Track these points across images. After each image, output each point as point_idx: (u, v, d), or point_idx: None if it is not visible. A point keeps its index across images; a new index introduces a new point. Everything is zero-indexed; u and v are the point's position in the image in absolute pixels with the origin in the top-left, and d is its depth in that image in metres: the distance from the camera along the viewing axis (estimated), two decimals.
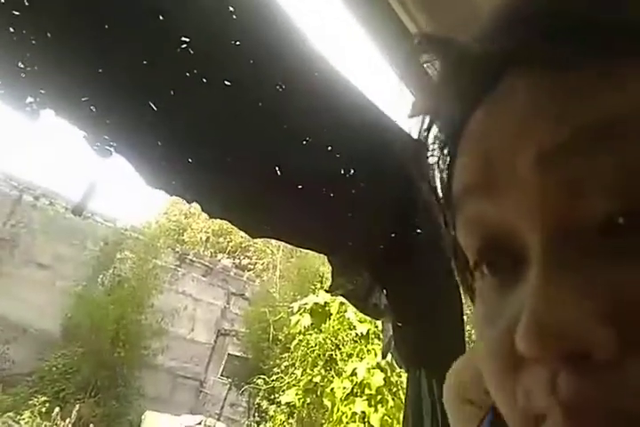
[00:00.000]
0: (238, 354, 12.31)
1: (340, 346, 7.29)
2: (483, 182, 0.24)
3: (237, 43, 1.19)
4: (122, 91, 1.14)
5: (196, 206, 1.29)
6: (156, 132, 1.17)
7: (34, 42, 1.12)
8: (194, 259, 12.89)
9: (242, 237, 17.61)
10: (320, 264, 9.13)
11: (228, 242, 18.41)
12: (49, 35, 1.12)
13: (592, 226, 0.20)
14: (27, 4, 1.08)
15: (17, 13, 1.08)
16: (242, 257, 18.49)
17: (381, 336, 2.17)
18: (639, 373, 0.18)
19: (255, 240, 18.45)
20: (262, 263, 15.45)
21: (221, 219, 1.30)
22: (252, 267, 16.52)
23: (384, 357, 1.92)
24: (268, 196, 1.34)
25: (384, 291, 1.70)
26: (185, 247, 14.10)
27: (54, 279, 10.60)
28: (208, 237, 18.49)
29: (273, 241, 14.80)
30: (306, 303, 7.46)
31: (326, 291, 1.80)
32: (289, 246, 13.15)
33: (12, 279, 10.24)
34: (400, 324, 1.69)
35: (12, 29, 1.09)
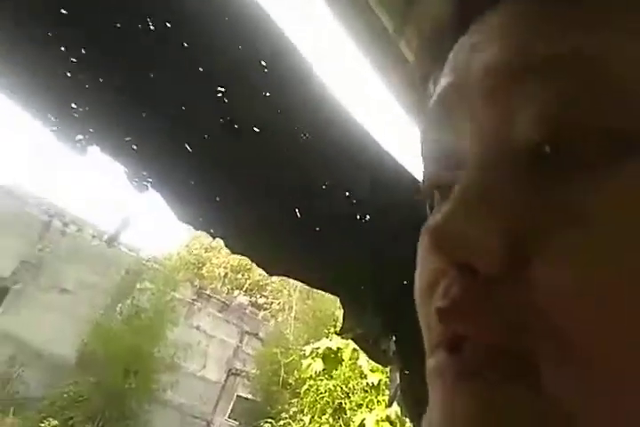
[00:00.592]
0: (247, 396, 12.03)
1: (350, 395, 7.09)
2: (443, 106, 0.24)
3: (268, 94, 1.30)
4: (161, 132, 1.26)
5: (217, 241, 1.37)
6: (189, 172, 1.27)
7: (87, 86, 1.25)
8: (211, 294, 12.89)
9: (260, 275, 17.60)
10: (336, 308, 9.04)
11: (246, 279, 18.40)
12: (101, 80, 1.25)
13: (523, 152, 0.20)
14: (84, 52, 1.22)
15: (75, 60, 1.21)
16: (258, 296, 18.40)
17: None
18: (519, 292, 0.19)
19: (272, 279, 18.42)
20: (278, 303, 15.34)
21: (242, 255, 1.37)
22: (267, 306, 16.40)
23: (389, 405, 1.90)
24: (288, 236, 1.41)
25: (393, 337, 1.72)
26: (203, 282, 14.15)
27: (75, 305, 10.72)
28: (226, 273, 18.53)
29: (290, 281, 14.75)
30: (318, 347, 7.34)
31: (337, 333, 1.83)
32: (305, 288, 13.08)
33: (35, 303, 10.41)
34: (407, 372, 1.69)
35: (69, 74, 1.23)
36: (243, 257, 1.50)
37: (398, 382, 1.77)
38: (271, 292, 17.99)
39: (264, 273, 1.46)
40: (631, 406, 0.18)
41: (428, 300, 0.22)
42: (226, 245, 1.30)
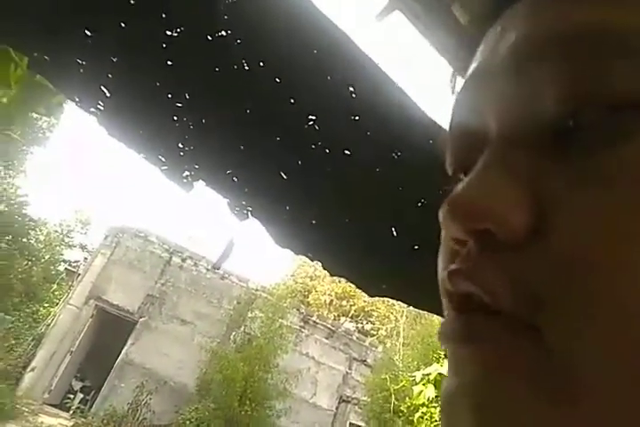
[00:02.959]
0: (360, 424, 11.83)
1: None
2: (470, 91, 0.25)
3: (356, 118, 1.33)
4: (258, 163, 1.33)
5: (320, 269, 1.40)
6: (285, 198, 1.33)
7: (191, 127, 1.38)
8: (317, 321, 13.03)
9: (364, 301, 17.50)
10: None
11: (351, 306, 18.38)
12: (203, 121, 1.37)
13: (546, 126, 0.21)
14: (187, 97, 1.34)
15: (180, 105, 1.34)
16: (364, 322, 18.26)
17: None
18: (539, 261, 0.19)
19: (378, 306, 18.22)
20: (385, 329, 15.08)
21: (340, 276, 1.39)
22: (374, 333, 16.19)
23: None
24: (385, 255, 1.41)
25: None
26: (309, 309, 14.37)
27: (193, 335, 11.42)
28: (332, 300, 18.67)
29: (397, 307, 14.47)
30: (429, 373, 7.06)
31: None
32: (413, 313, 12.73)
33: (159, 333, 11.25)
34: None
35: (175, 118, 1.36)
36: (343, 279, 1.52)
37: None
38: (377, 318, 17.77)
39: (369, 299, 1.46)
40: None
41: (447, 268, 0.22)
42: (324, 268, 1.33)
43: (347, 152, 1.31)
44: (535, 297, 0.18)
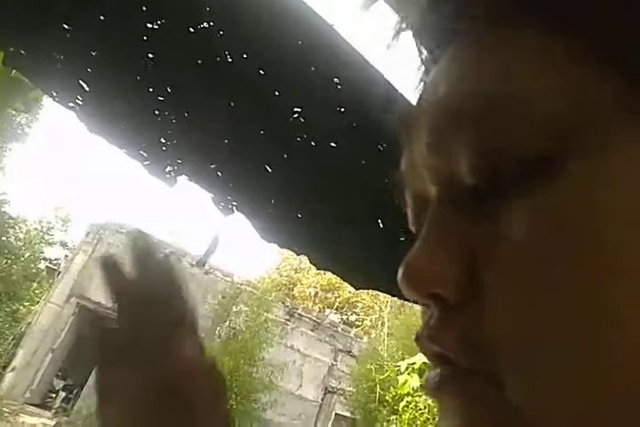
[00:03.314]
0: (345, 414, 11.94)
1: None
2: (407, 151, 0.27)
3: (342, 109, 1.32)
4: (243, 157, 1.32)
5: (305, 261, 1.40)
6: (271, 191, 1.32)
7: (174, 121, 1.35)
8: (302, 313, 13.07)
9: (350, 292, 17.59)
10: None
11: (336, 298, 18.48)
12: (186, 114, 1.35)
13: (465, 191, 0.23)
14: (169, 91, 1.32)
15: (161, 99, 1.32)
16: (349, 313, 18.37)
17: None
18: (479, 319, 0.20)
19: (363, 297, 18.35)
20: (370, 320, 15.20)
21: (326, 270, 1.39)
22: (359, 323, 16.31)
23: None
24: (372, 248, 1.41)
25: None
26: (294, 302, 14.40)
27: None
28: (317, 293, 18.73)
29: (381, 298, 14.59)
30: (414, 363, 7.16)
31: None
32: (397, 303, 12.85)
33: None
34: None
35: (156, 112, 1.33)
36: (328, 273, 1.52)
37: None
38: (362, 309, 17.89)
39: (353, 290, 1.46)
40: (585, 415, 0.18)
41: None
42: (310, 261, 1.33)
43: (332, 144, 1.31)
44: (483, 352, 0.20)
